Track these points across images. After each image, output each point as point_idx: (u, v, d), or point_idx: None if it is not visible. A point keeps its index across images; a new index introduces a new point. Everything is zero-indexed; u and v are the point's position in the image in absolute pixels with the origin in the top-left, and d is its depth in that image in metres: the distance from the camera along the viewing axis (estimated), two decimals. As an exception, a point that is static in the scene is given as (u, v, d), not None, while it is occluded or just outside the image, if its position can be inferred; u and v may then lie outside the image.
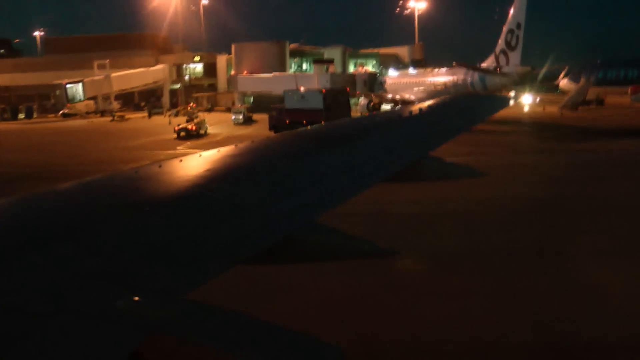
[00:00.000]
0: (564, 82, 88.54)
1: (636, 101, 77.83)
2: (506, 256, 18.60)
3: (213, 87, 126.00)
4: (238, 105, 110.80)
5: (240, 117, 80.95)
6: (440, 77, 76.98)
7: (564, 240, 20.43)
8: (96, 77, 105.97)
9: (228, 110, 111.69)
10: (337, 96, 59.18)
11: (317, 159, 6.74)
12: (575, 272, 16.98)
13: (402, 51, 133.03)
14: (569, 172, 33.69)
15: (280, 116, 59.50)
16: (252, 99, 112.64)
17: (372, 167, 6.94)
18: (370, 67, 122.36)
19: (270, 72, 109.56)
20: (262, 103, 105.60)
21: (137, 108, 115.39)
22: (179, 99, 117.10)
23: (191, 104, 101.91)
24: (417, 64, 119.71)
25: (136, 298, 2.92)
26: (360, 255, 5.40)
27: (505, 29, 65.80)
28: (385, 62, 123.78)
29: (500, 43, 66.80)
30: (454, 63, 71.40)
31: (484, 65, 71.08)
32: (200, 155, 6.38)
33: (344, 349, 2.94)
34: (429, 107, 12.30)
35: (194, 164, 6.07)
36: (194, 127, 62.48)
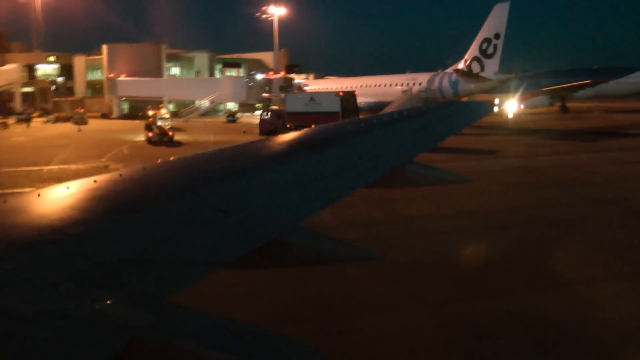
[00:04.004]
0: None
1: (526, 107, 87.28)
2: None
3: (70, 91, 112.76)
4: (115, 109, 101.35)
5: (168, 123, 74.53)
6: (394, 81, 78.00)
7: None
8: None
9: (104, 116, 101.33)
10: (349, 99, 57.57)
11: (300, 163, 6.72)
12: None
13: (267, 57, 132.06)
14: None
15: (277, 120, 55.93)
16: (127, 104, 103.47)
17: (355, 172, 6.92)
18: (234, 72, 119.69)
19: (145, 76, 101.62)
20: (138, 109, 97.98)
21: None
22: (50, 103, 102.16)
23: (80, 109, 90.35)
24: (291, 69, 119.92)
25: (109, 302, 2.92)
26: (344, 259, 5.30)
27: (479, 37, 69.16)
28: (252, 67, 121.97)
29: (473, 51, 69.93)
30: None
31: (449, 70, 73.94)
32: (184, 158, 6.42)
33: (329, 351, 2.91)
34: (413, 113, 12.76)
35: (178, 166, 6.09)
36: (171, 133, 56.66)
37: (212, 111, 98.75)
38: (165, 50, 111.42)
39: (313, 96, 56.07)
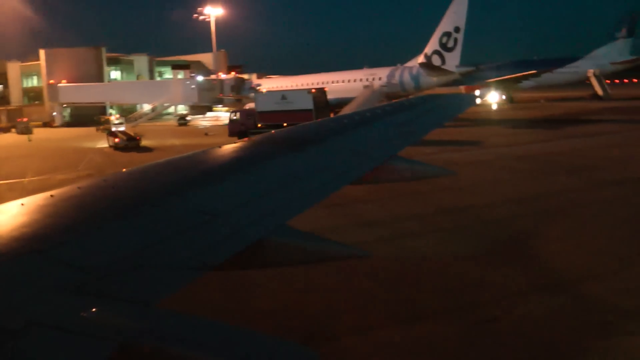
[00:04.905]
0: None
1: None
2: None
3: (5, 100, 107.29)
4: (58, 117, 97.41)
5: (123, 127, 72.58)
6: (353, 77, 77.83)
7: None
8: None
9: (46, 125, 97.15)
10: (321, 97, 57.13)
11: (284, 161, 6.72)
12: None
13: (206, 58, 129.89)
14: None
15: (247, 120, 55.06)
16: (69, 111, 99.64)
17: (340, 169, 6.92)
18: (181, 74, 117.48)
19: (86, 81, 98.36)
20: (81, 116, 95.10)
21: None
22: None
23: (23, 118, 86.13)
24: (234, 69, 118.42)
25: (97, 309, 2.91)
26: (334, 258, 5.26)
27: (438, 31, 69.99)
28: (193, 69, 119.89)
29: (433, 44, 70.69)
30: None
31: (409, 64, 74.69)
32: (166, 162, 6.41)
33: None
34: (395, 107, 13.07)
35: (161, 170, 6.06)
36: (139, 138, 55.13)
37: (159, 115, 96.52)
38: (105, 54, 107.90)
39: (285, 94, 55.40)
